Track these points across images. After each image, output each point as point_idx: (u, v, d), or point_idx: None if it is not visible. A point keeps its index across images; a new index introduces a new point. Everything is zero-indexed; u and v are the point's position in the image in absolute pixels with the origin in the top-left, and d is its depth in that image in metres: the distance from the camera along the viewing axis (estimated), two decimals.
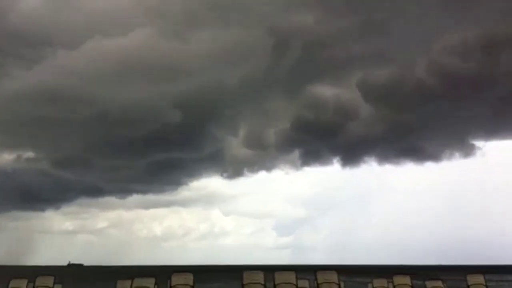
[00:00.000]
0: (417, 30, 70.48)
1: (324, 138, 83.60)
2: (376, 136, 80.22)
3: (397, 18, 70.25)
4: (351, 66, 76.82)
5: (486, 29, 65.97)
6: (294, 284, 15.17)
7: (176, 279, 14.74)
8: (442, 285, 16.81)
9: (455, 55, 69.09)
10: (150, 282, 14.97)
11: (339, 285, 15.32)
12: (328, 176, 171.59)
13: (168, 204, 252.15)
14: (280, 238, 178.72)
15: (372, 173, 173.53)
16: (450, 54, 69.19)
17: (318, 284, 15.32)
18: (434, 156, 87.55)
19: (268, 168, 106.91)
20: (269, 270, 15.76)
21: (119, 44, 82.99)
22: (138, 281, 15.00)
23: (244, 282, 15.07)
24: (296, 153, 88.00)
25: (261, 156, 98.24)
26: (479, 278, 16.65)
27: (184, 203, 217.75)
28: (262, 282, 15.03)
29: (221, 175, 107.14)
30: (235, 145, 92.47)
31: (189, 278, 14.80)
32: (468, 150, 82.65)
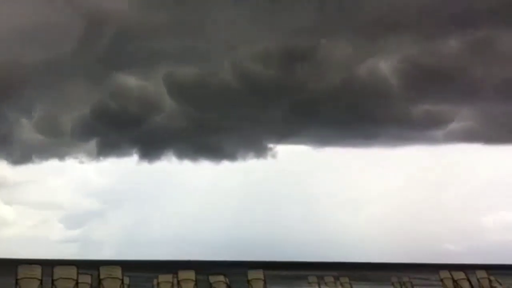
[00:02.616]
0: (226, 34, 72.98)
1: (125, 129, 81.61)
2: (178, 131, 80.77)
3: (209, 21, 71.92)
4: (160, 60, 76.26)
5: (286, 42, 70.87)
6: (75, 279, 14.47)
7: None
8: (224, 280, 17.34)
9: (258, 62, 73.04)
10: None
11: (122, 280, 14.93)
12: (126, 168, 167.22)
13: None
14: (67, 231, 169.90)
15: (171, 168, 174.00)
16: (253, 60, 72.97)
17: (100, 280, 14.78)
18: (231, 156, 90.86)
19: (61, 156, 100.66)
20: (50, 265, 14.82)
21: None
22: None
23: (19, 277, 13.99)
24: (94, 142, 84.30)
25: (55, 142, 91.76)
26: (259, 274, 17.49)
27: None
28: (39, 277, 14.08)
29: (6, 160, 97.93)
30: (27, 129, 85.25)
31: None
32: (261, 152, 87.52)
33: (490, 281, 21.23)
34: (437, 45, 72.13)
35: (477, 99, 77.61)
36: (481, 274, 21.13)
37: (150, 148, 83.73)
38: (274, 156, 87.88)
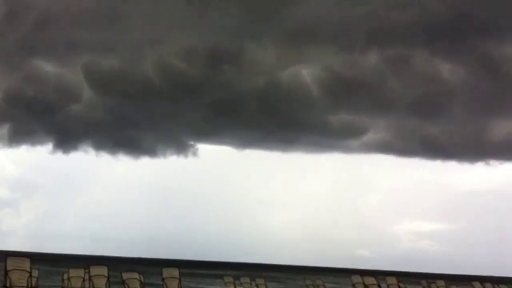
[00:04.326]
0: (150, 28, 72.29)
1: (40, 116, 78.52)
2: (96, 123, 78.79)
3: (134, 13, 71.05)
4: (80, 49, 74.31)
5: (212, 41, 71.31)
6: None
7: None
8: (138, 277, 17.03)
9: (183, 59, 72.95)
10: None
11: (30, 272, 14.32)
12: (40, 158, 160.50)
13: None
14: None
15: (88, 160, 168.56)
16: (178, 57, 72.82)
17: (7, 271, 14.11)
18: (150, 151, 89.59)
19: None
20: None
21: None
22: None
23: None
24: (6, 128, 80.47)
25: None
26: (174, 272, 17.31)
27: None
28: None
29: None
30: None
31: None
32: (182, 149, 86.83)
33: (399, 287, 22.00)
34: (357, 58, 74.88)
35: (392, 113, 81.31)
36: (391, 280, 21.86)
37: (66, 138, 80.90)
38: (195, 154, 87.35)
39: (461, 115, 76.58)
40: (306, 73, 74.57)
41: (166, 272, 17.06)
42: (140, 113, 77.90)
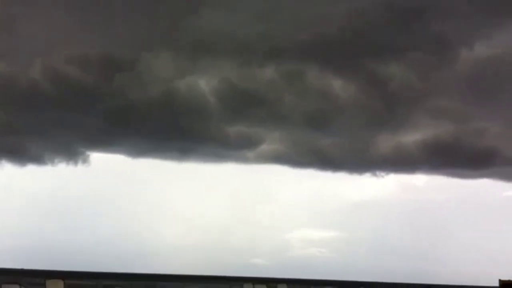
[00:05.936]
0: (39, 33, 69.53)
1: None
2: None
3: (21, 16, 68.14)
4: None
5: (107, 49, 70.15)
6: None
7: None
8: None
9: (74, 66, 71.00)
10: None
11: None
12: None
13: None
14: None
15: None
16: (69, 63, 70.73)
17: None
18: (38, 159, 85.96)
19: None
20: None
21: None
22: None
23: None
24: None
25: None
26: (59, 283, 16.68)
27: None
28: None
29: None
30: None
31: None
32: (72, 157, 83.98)
33: None
34: (254, 72, 77.17)
35: (286, 125, 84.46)
36: (282, 287, 22.26)
37: None
38: (85, 162, 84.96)
39: (350, 128, 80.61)
40: (203, 83, 75.29)
41: (50, 283, 16.47)
42: (27, 120, 74.79)
